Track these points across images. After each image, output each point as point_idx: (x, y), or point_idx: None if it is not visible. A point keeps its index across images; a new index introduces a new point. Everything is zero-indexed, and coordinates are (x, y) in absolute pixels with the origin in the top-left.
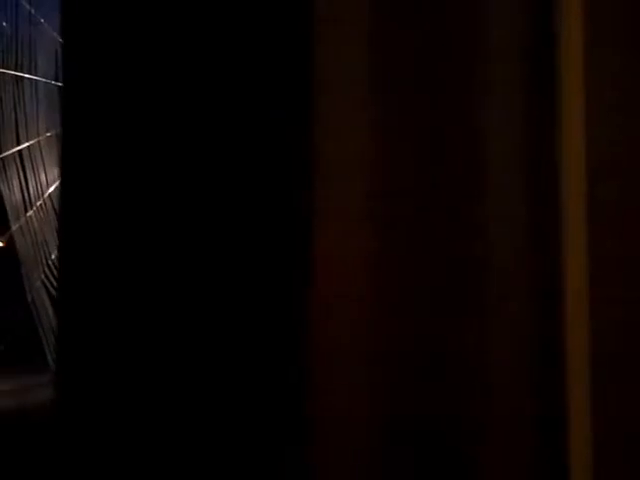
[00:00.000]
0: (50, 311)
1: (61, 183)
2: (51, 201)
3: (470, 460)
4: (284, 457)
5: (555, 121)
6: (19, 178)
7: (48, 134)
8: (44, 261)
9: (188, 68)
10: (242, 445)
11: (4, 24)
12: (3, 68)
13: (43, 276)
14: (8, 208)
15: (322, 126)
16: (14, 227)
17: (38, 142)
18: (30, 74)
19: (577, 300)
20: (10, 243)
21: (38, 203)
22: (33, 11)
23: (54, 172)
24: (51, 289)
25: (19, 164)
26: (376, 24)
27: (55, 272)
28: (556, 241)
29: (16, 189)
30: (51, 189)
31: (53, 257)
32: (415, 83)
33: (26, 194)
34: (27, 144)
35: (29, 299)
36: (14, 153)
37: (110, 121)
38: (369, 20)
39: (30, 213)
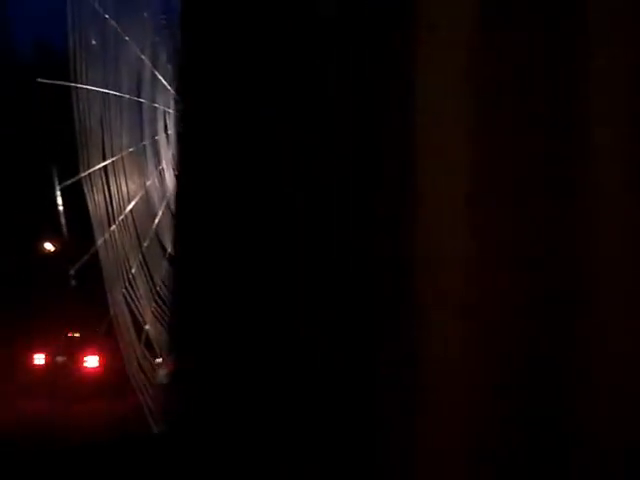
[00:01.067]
0: (131, 325)
1: (177, 195)
2: (132, 216)
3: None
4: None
5: None
6: (104, 193)
7: (130, 149)
8: (125, 276)
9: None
10: (356, 414)
11: (93, 42)
12: (90, 85)
13: (124, 290)
14: (94, 222)
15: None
16: (99, 242)
17: (122, 158)
18: (115, 91)
19: None
20: (94, 257)
21: (120, 218)
22: (120, 29)
23: (135, 187)
24: (131, 303)
25: (104, 179)
26: (476, 32)
27: (135, 285)
28: None
29: (101, 204)
30: (132, 204)
31: (133, 271)
32: (513, 89)
33: (110, 209)
34: (111, 160)
35: (111, 313)
36: (100, 168)
37: (221, 148)
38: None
39: (113, 227)
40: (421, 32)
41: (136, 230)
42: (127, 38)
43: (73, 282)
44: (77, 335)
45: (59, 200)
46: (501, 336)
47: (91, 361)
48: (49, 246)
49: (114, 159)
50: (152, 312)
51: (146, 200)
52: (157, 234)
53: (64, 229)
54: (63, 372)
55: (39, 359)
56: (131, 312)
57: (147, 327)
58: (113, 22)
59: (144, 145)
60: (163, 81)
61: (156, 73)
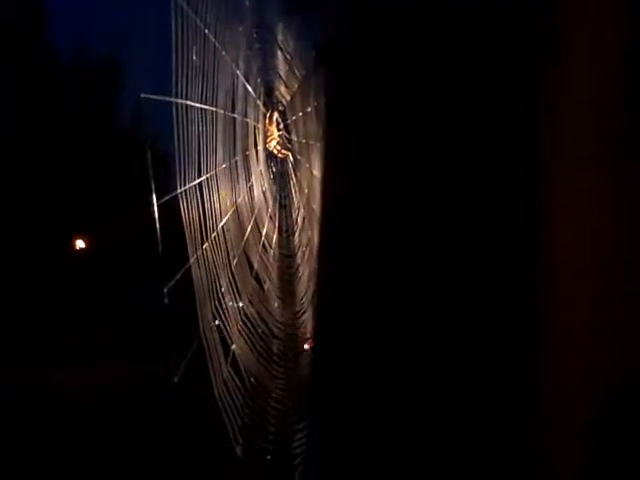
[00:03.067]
0: (220, 346)
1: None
2: (223, 233)
3: None
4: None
5: None
6: (198, 209)
7: (224, 165)
8: (215, 295)
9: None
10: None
11: (194, 57)
12: (189, 100)
13: (214, 309)
14: (187, 239)
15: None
16: (191, 259)
17: (215, 174)
18: (211, 106)
19: None
20: (186, 275)
21: (212, 235)
22: (217, 44)
23: (227, 204)
24: (220, 324)
25: (199, 196)
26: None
27: (225, 306)
28: None
29: (195, 221)
30: (223, 221)
31: (223, 290)
32: None
33: (203, 226)
34: (206, 176)
35: (201, 332)
36: (195, 185)
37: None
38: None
39: (205, 245)
40: (567, 63)
41: (226, 247)
42: (224, 53)
43: (166, 300)
44: None
45: (156, 216)
46: (633, 338)
47: None
48: (81, 243)
49: (209, 175)
50: (239, 330)
51: (236, 217)
52: (245, 251)
53: (160, 246)
54: None
55: None
56: (219, 331)
57: (234, 346)
58: (212, 37)
59: (236, 161)
60: (254, 95)
61: (248, 88)
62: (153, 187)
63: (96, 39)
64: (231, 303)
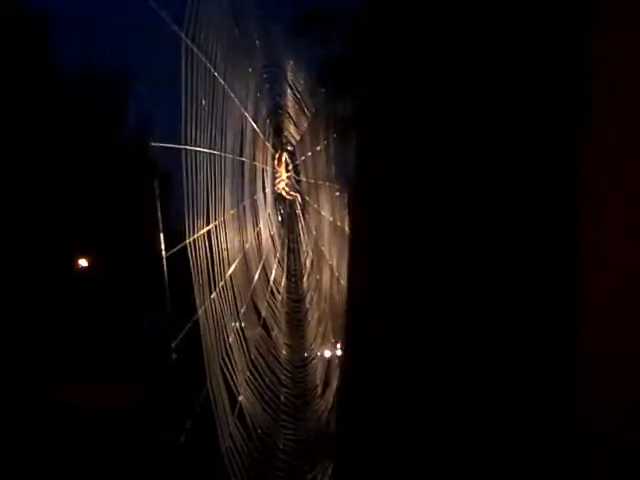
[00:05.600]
0: (227, 400)
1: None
2: (231, 282)
3: None
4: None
5: None
6: (205, 258)
7: (232, 211)
8: (222, 345)
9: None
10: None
11: (203, 102)
12: (198, 144)
13: (221, 360)
14: (195, 289)
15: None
16: (200, 311)
17: (224, 220)
18: (220, 151)
19: None
20: (195, 327)
21: (220, 284)
22: (226, 87)
23: (234, 250)
24: (227, 375)
25: (207, 244)
26: None
27: (232, 357)
28: None
29: (204, 270)
30: (231, 269)
31: (230, 340)
32: None
33: (211, 275)
34: (214, 223)
35: (207, 384)
36: (204, 233)
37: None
38: None
39: (213, 295)
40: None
41: (234, 296)
42: (233, 95)
43: (174, 356)
44: None
45: (164, 268)
46: None
47: None
48: (83, 262)
49: (216, 223)
50: (246, 382)
51: (244, 264)
52: (253, 299)
53: (167, 293)
54: None
55: None
56: (226, 383)
57: (241, 398)
58: (221, 80)
59: (244, 206)
60: (262, 137)
61: (257, 130)
62: (162, 239)
63: (101, 70)
64: (239, 354)
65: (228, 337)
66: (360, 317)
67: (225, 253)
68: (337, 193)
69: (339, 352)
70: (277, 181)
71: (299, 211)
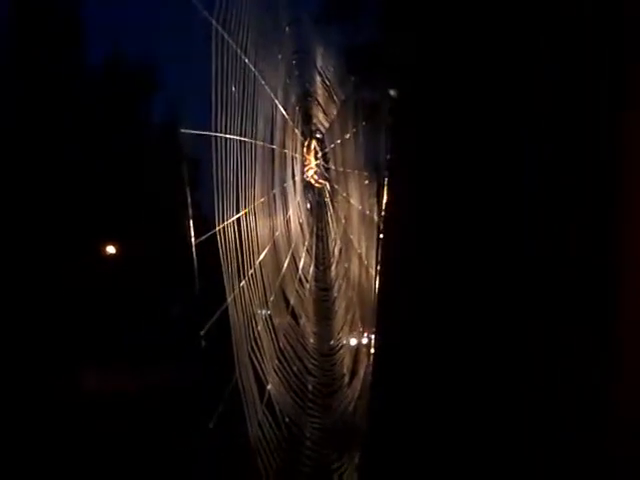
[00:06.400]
0: (255, 388)
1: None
2: (260, 269)
3: None
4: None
5: None
6: (235, 246)
7: (262, 199)
8: (251, 334)
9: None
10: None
11: (233, 88)
12: (228, 132)
13: (249, 348)
14: (225, 277)
15: None
16: (229, 299)
17: (253, 208)
18: (250, 138)
19: None
20: (224, 315)
21: (250, 272)
22: (257, 73)
23: (264, 238)
24: (256, 363)
25: (236, 231)
26: None
27: (260, 345)
28: None
29: (232, 258)
30: (261, 257)
31: (259, 328)
32: None
33: (240, 263)
34: (244, 211)
35: (237, 373)
36: (233, 221)
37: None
38: None
39: (243, 283)
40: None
41: (263, 284)
42: (263, 82)
43: (203, 343)
44: None
45: (194, 255)
46: None
47: None
48: (111, 249)
49: (246, 210)
50: (274, 370)
51: (273, 252)
52: (282, 287)
53: (197, 285)
54: None
55: None
56: (254, 371)
57: (269, 387)
58: (252, 66)
59: (274, 193)
60: (292, 124)
61: (287, 117)
62: (192, 225)
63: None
64: (268, 342)
65: (257, 325)
66: (391, 304)
67: (255, 241)
68: (366, 181)
69: (365, 340)
70: (306, 169)
71: (328, 199)
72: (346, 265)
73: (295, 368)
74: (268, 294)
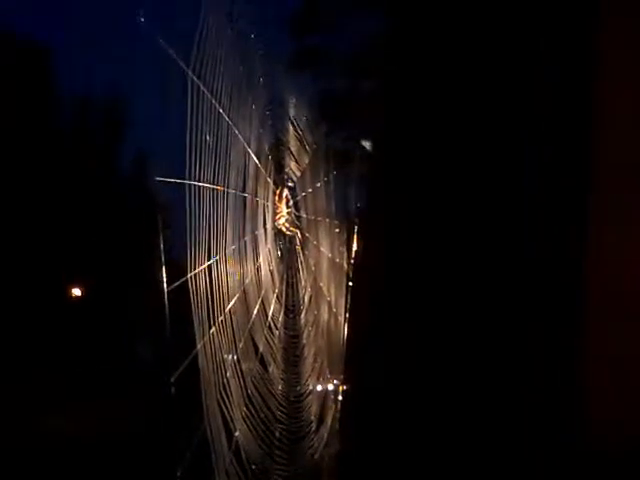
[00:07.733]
0: (224, 436)
1: None
2: (230, 316)
3: None
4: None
5: None
6: (206, 293)
7: (233, 247)
8: (220, 380)
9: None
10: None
11: (208, 137)
12: (201, 180)
13: (219, 396)
14: (195, 324)
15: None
16: (199, 345)
17: (224, 256)
18: (224, 187)
19: None
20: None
21: (220, 319)
22: (230, 123)
23: (234, 285)
24: (225, 412)
25: (207, 280)
26: None
27: (229, 393)
28: None
29: (203, 305)
30: (231, 303)
31: (228, 375)
32: None
33: (210, 311)
34: (214, 259)
35: (205, 421)
36: (204, 268)
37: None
38: None
39: (213, 330)
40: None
41: (233, 331)
42: (237, 132)
43: (173, 390)
44: None
45: (166, 301)
46: None
47: None
48: (77, 292)
49: (216, 258)
50: (242, 417)
51: (244, 299)
52: (251, 334)
53: (167, 330)
54: None
55: None
56: (224, 421)
57: (237, 434)
58: (226, 116)
59: (245, 241)
60: (264, 173)
61: (259, 166)
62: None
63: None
64: (236, 389)
65: (226, 372)
66: (360, 351)
67: (225, 288)
68: (336, 230)
69: (331, 387)
70: (277, 217)
71: (298, 247)
72: (315, 312)
73: (263, 415)
74: (237, 340)
